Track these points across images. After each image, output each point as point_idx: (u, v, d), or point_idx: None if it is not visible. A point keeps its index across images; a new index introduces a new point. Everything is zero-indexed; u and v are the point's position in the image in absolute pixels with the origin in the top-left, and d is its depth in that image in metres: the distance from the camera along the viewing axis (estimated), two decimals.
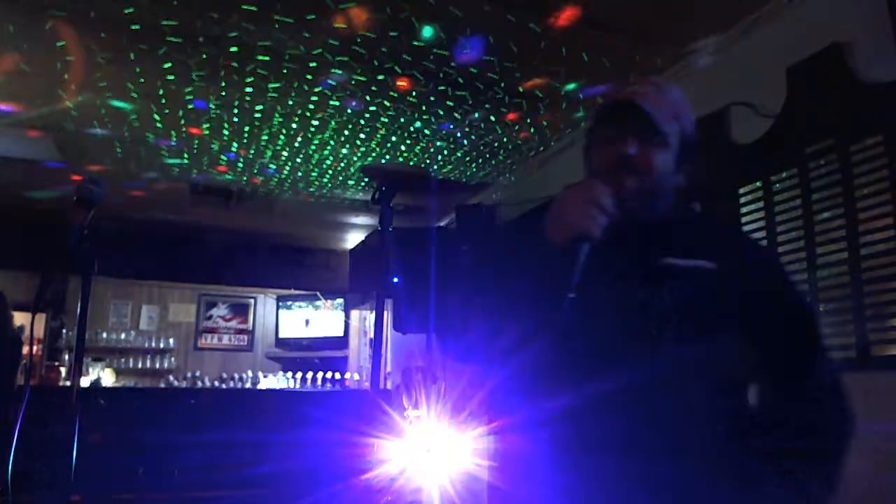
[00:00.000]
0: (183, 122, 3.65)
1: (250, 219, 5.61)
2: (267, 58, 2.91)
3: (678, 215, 1.23)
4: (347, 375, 6.57)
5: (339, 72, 3.03)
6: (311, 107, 3.43)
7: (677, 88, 1.28)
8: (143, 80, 3.13)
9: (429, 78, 3.08)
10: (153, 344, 6.95)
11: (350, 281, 6.76)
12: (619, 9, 2.48)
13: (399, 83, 3.15)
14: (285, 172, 4.49)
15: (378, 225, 1.26)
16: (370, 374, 1.27)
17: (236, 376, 6.91)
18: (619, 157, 1.15)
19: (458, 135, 3.79)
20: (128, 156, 4.15)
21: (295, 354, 7.00)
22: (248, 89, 3.23)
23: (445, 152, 4.07)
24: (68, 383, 5.49)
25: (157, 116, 3.56)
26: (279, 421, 5.06)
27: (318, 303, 6.95)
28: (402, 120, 3.58)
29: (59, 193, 4.60)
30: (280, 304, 7.20)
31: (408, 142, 3.91)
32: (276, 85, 3.18)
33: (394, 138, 3.86)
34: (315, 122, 3.64)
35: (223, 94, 3.28)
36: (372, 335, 6.55)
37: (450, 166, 4.32)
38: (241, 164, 4.35)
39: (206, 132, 3.80)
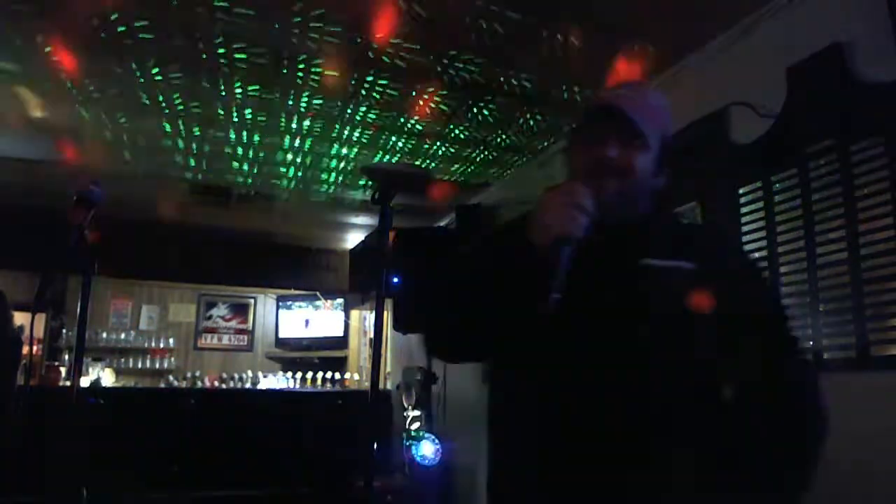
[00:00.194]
0: (183, 122, 3.65)
1: (250, 219, 5.61)
2: (267, 58, 2.91)
3: (658, 216, 1.26)
4: (347, 375, 6.57)
5: (339, 73, 3.04)
6: (312, 107, 3.43)
7: (659, 93, 1.31)
8: (143, 80, 3.13)
9: (429, 78, 3.09)
10: (153, 344, 6.95)
11: (350, 281, 6.76)
12: (620, 9, 2.48)
13: (399, 83, 3.15)
14: (286, 173, 4.49)
15: (378, 225, 1.26)
16: (370, 374, 1.26)
17: (236, 376, 6.91)
18: (601, 160, 1.17)
19: (459, 135, 3.79)
20: (128, 156, 4.15)
21: (295, 354, 7.00)
22: (249, 89, 3.23)
23: (445, 152, 4.07)
24: (68, 383, 5.48)
25: (156, 116, 3.56)
26: (279, 421, 5.06)
27: (318, 303, 6.95)
28: (402, 120, 3.58)
29: (58, 194, 4.61)
30: (280, 304, 7.20)
31: (408, 142, 3.91)
32: (276, 85, 3.18)
33: (394, 138, 3.86)
34: (315, 123, 3.64)
35: (223, 93, 3.28)
36: (372, 335, 6.55)
37: (450, 166, 4.33)
38: (241, 164, 4.35)
39: (206, 132, 3.80)
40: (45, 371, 5.88)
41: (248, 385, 6.67)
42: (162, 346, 7.01)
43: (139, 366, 6.78)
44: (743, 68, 2.55)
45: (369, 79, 3.10)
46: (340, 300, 6.85)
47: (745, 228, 2.42)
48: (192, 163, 4.30)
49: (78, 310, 1.71)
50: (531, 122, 3.58)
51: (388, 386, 5.76)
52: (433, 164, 4.29)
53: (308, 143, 3.94)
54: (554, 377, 1.16)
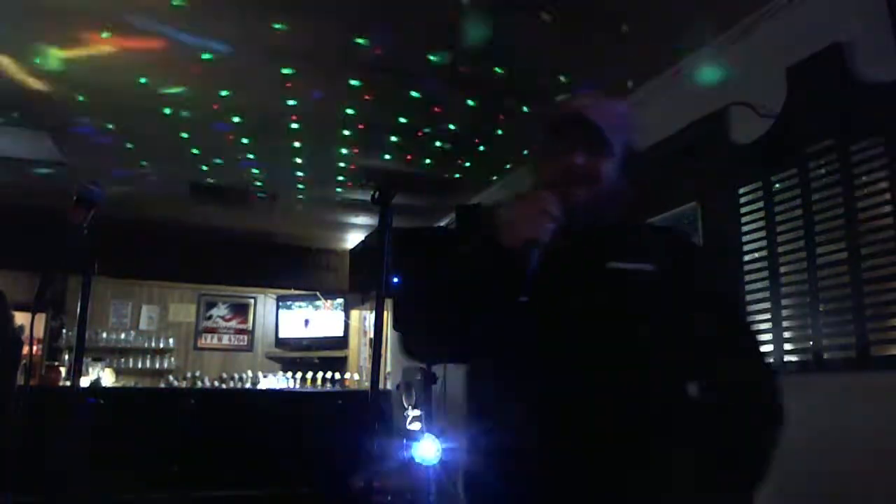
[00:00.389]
0: (183, 122, 3.65)
1: (250, 219, 5.62)
2: (267, 57, 2.91)
3: (623, 221, 1.31)
4: (347, 375, 6.57)
5: (339, 72, 3.04)
6: (312, 107, 3.43)
7: (622, 102, 1.37)
8: (143, 80, 3.13)
9: (429, 78, 3.09)
10: (153, 344, 6.95)
11: (350, 281, 6.75)
12: (620, 9, 2.48)
13: (399, 83, 3.15)
14: (286, 172, 4.49)
15: (378, 225, 1.26)
16: (370, 374, 1.28)
17: (236, 376, 6.91)
18: (569, 167, 1.22)
19: (459, 135, 3.79)
20: (128, 156, 4.15)
21: (295, 354, 7.00)
22: (249, 89, 3.23)
23: (445, 152, 4.07)
24: (68, 383, 5.48)
25: (156, 116, 3.56)
26: (279, 421, 5.06)
27: (318, 303, 6.95)
28: (402, 120, 3.58)
29: (59, 193, 4.61)
30: (280, 304, 7.20)
31: (408, 142, 3.91)
32: (277, 85, 3.18)
33: (394, 138, 3.86)
34: (316, 123, 3.64)
35: (223, 93, 3.28)
36: (372, 335, 6.54)
37: (450, 166, 4.32)
38: (241, 165, 4.35)
39: (207, 132, 3.80)
40: (45, 371, 5.88)
41: (248, 385, 6.67)
42: (162, 346, 7.00)
43: (139, 366, 6.78)
44: (743, 68, 2.55)
45: (370, 79, 3.11)
46: (340, 300, 6.84)
47: (745, 228, 2.42)
48: (193, 163, 4.30)
49: (78, 310, 1.70)
50: (531, 123, 3.58)
51: (388, 386, 5.76)
52: (433, 165, 4.29)
53: (308, 143, 3.94)
54: (523, 375, 1.21)
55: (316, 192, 4.90)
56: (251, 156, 4.18)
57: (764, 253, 2.33)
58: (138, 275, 6.46)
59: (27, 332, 3.82)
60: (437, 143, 3.91)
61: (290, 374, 6.51)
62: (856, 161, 2.02)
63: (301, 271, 6.75)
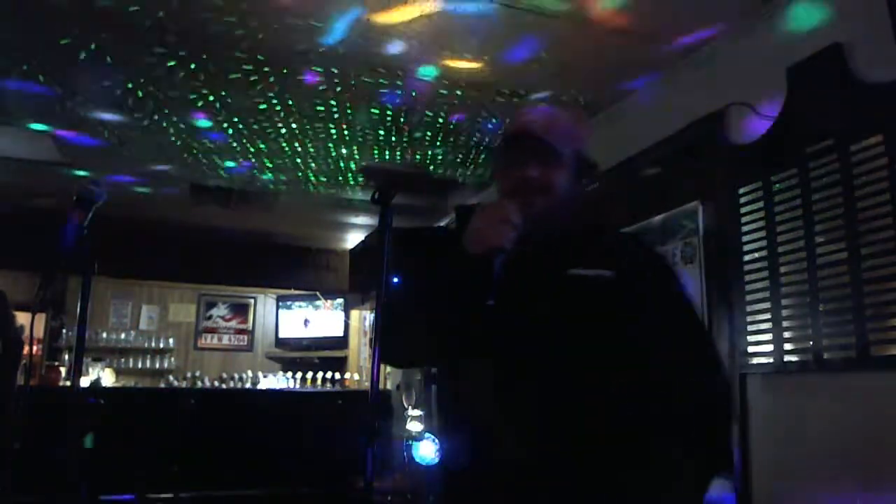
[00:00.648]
0: (183, 122, 3.65)
1: (250, 219, 5.62)
2: (267, 57, 2.91)
3: (581, 227, 1.39)
4: (347, 375, 6.57)
5: (339, 71, 3.04)
6: (312, 107, 3.43)
7: (567, 112, 1.45)
8: (142, 79, 3.14)
9: (429, 78, 3.09)
10: (153, 344, 6.95)
11: (350, 281, 6.76)
12: (620, 9, 2.48)
13: (399, 83, 3.15)
14: (285, 172, 4.49)
15: (378, 225, 1.26)
16: (370, 374, 1.29)
17: (236, 376, 6.91)
18: (523, 180, 1.30)
19: (459, 135, 3.79)
20: (128, 156, 4.15)
21: (295, 354, 7.00)
22: (249, 89, 3.23)
23: (445, 152, 4.07)
24: (68, 383, 5.48)
25: (157, 116, 3.56)
26: (279, 421, 5.06)
27: (318, 303, 6.95)
28: (401, 120, 3.58)
29: (59, 193, 4.61)
30: (280, 304, 7.20)
31: (407, 142, 3.91)
32: (277, 85, 3.18)
33: (394, 138, 3.86)
34: (315, 122, 3.64)
35: (223, 93, 3.28)
36: (372, 335, 6.54)
37: (450, 166, 4.33)
38: (241, 165, 4.35)
39: (207, 132, 3.80)
40: (45, 371, 5.89)
41: (248, 385, 6.67)
42: (162, 346, 7.00)
43: (139, 366, 6.78)
44: (743, 68, 2.55)
45: (370, 79, 3.11)
46: (340, 300, 6.85)
47: (745, 228, 2.41)
48: (193, 163, 4.30)
49: (78, 310, 1.71)
50: None
51: (388, 386, 5.76)
52: (433, 165, 4.29)
53: (308, 142, 3.94)
54: (488, 375, 1.27)
55: (316, 192, 4.90)
56: (250, 156, 4.18)
57: (764, 253, 2.32)
58: (138, 275, 6.47)
59: (27, 332, 3.83)
60: (440, 144, 3.91)
61: (290, 374, 6.52)
62: (856, 161, 2.02)
63: (301, 271, 6.75)
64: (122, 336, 6.83)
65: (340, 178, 4.59)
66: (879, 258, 1.93)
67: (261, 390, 6.35)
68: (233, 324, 7.54)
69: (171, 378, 6.74)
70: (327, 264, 6.88)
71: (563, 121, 1.39)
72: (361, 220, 5.79)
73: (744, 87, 2.50)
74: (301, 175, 4.54)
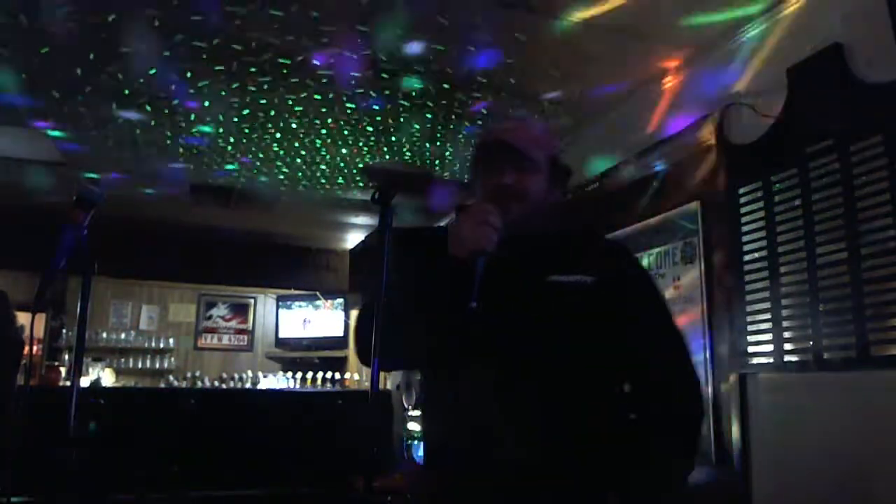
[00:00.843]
0: (183, 122, 3.65)
1: (250, 219, 5.61)
2: (267, 57, 2.91)
3: (559, 232, 1.42)
4: (347, 375, 6.57)
5: (340, 71, 3.04)
6: (312, 107, 3.43)
7: (539, 123, 1.54)
8: (142, 80, 3.14)
9: (430, 78, 3.09)
10: (153, 344, 6.95)
11: (350, 281, 6.75)
12: (620, 9, 2.48)
13: (400, 83, 3.15)
14: (285, 172, 4.49)
15: (378, 225, 1.26)
16: (370, 374, 1.29)
17: (236, 376, 6.91)
18: (499, 187, 1.35)
19: (459, 135, 3.79)
20: (128, 156, 4.15)
21: (295, 354, 6.99)
22: (249, 89, 3.23)
23: (445, 152, 4.07)
24: (68, 383, 5.47)
25: (157, 116, 3.56)
26: (279, 421, 5.06)
27: (318, 303, 6.95)
28: (402, 120, 3.58)
29: (59, 193, 4.61)
30: (280, 304, 7.19)
31: (408, 142, 3.91)
32: (277, 85, 3.18)
33: (393, 138, 3.86)
34: (316, 122, 3.64)
35: (223, 93, 3.28)
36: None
37: (450, 166, 4.32)
38: (241, 165, 4.35)
39: (207, 132, 3.80)
40: (45, 371, 5.88)
41: (248, 385, 6.66)
42: (162, 346, 7.00)
43: (139, 366, 6.77)
44: (743, 68, 2.55)
45: (370, 78, 3.11)
46: (340, 300, 6.84)
47: (745, 228, 2.41)
48: (193, 163, 4.30)
49: (78, 310, 1.70)
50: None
51: (388, 386, 5.76)
52: (433, 165, 4.29)
53: (308, 142, 3.94)
54: (468, 378, 1.31)
55: (316, 192, 4.90)
56: (251, 156, 4.18)
57: (764, 253, 2.32)
58: (138, 275, 6.46)
59: (27, 332, 3.83)
60: (440, 144, 3.91)
61: (290, 374, 6.51)
62: (856, 161, 2.02)
63: (301, 271, 6.75)
64: (122, 336, 6.83)
65: (340, 178, 4.59)
66: (879, 258, 1.93)
67: (261, 390, 6.34)
68: (233, 324, 7.53)
69: (171, 378, 6.73)
70: (327, 264, 6.87)
71: (534, 129, 1.46)
72: (361, 220, 5.79)
73: (744, 87, 2.50)
74: (301, 175, 4.54)
